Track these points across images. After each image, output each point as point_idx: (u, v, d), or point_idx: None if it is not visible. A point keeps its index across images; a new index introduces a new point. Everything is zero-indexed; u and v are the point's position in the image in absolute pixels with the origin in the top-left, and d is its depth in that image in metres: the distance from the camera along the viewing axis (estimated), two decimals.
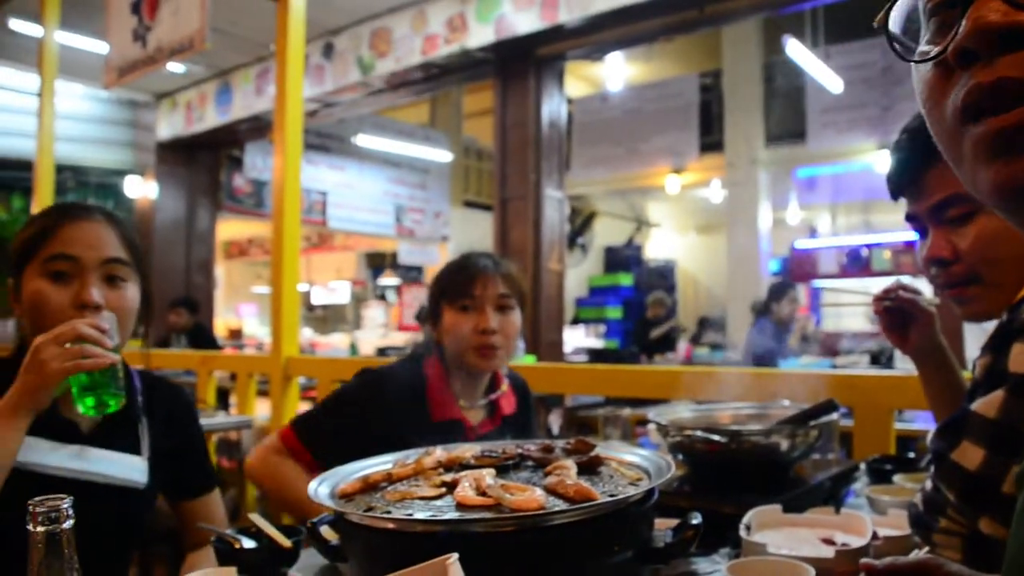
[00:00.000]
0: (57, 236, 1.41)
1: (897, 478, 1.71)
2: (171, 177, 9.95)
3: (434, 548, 0.76)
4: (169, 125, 9.77)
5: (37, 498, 0.75)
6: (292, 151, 3.66)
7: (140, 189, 9.95)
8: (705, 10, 5.65)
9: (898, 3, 0.58)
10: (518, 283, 1.90)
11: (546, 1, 5.92)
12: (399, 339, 11.07)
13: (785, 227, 11.74)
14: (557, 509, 0.93)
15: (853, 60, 8.32)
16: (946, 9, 0.53)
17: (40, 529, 0.74)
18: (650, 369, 4.24)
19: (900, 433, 2.51)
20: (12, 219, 8.77)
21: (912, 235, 1.31)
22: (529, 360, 5.26)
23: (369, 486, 1.11)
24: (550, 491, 0.99)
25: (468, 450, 1.24)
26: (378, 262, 14.87)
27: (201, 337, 7.62)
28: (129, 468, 1.49)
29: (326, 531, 1.09)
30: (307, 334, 12.23)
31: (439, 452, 1.23)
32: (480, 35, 6.35)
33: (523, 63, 6.51)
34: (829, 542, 1.23)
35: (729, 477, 1.52)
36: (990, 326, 1.16)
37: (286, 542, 1.27)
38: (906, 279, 1.62)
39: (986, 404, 0.99)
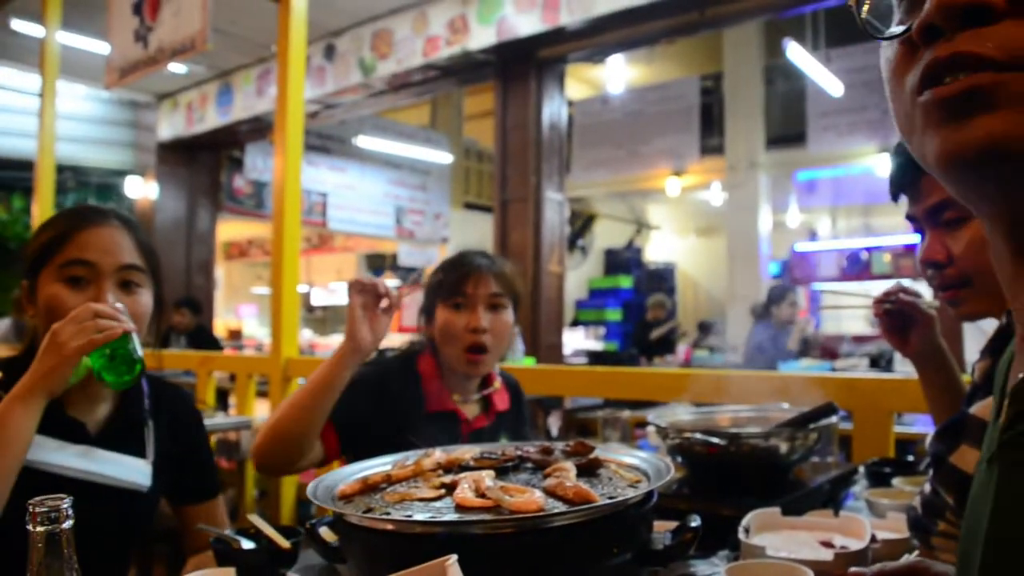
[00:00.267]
0: (74, 241, 1.42)
1: (896, 481, 1.71)
2: (172, 178, 9.96)
3: (433, 549, 0.76)
4: (170, 126, 9.77)
5: (37, 498, 0.75)
6: (293, 152, 3.66)
7: (141, 189, 9.96)
8: (706, 13, 5.65)
9: None
10: (512, 282, 1.90)
11: (547, 3, 5.92)
12: (398, 341, 10.98)
13: (785, 230, 11.75)
14: (556, 511, 0.93)
15: (854, 63, 8.32)
16: None
17: (40, 529, 0.74)
18: (649, 371, 4.25)
19: (899, 436, 2.51)
20: (13, 219, 8.79)
21: (912, 238, 1.33)
22: (528, 362, 5.26)
23: (368, 487, 1.11)
24: (549, 493, 0.99)
25: (467, 452, 1.24)
26: (378, 263, 14.87)
27: (203, 338, 7.62)
28: (133, 470, 1.49)
29: (325, 532, 1.09)
30: (307, 335, 12.23)
31: (438, 454, 1.23)
32: (481, 37, 6.36)
33: (524, 65, 6.52)
34: (828, 545, 1.23)
35: (728, 480, 1.52)
36: (990, 329, 1.17)
37: (285, 543, 1.27)
38: (906, 282, 1.63)
39: (985, 408, 0.99)
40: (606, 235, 14.38)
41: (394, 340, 2.24)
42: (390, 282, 1.72)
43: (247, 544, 1.30)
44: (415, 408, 1.81)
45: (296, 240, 3.71)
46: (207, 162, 10.19)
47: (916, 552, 1.07)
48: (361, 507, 1.03)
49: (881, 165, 8.88)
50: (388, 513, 0.98)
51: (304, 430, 1.59)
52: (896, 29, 0.55)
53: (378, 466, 1.25)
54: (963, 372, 1.60)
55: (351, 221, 11.05)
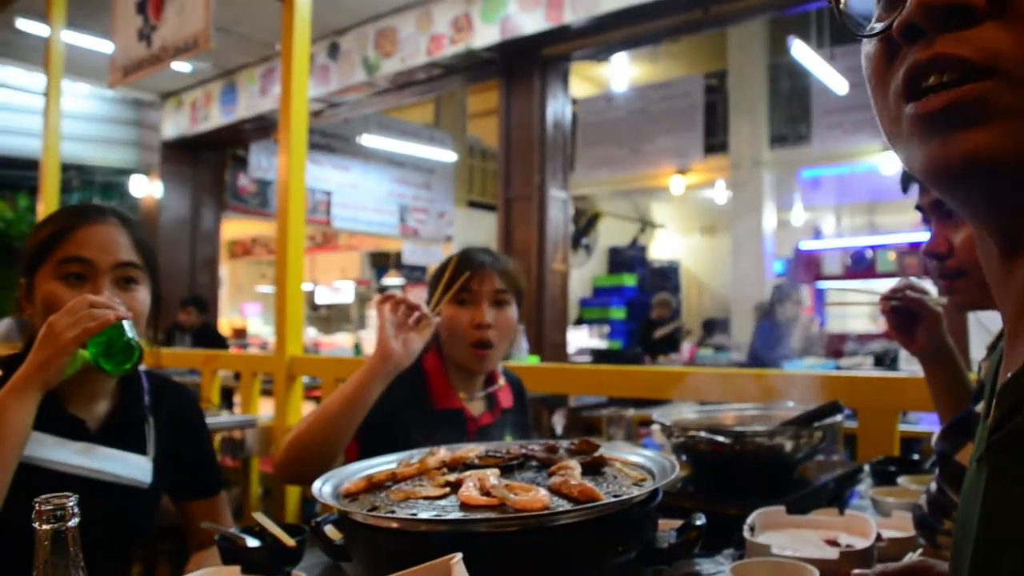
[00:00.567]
0: (71, 238, 1.43)
1: (901, 480, 1.70)
2: (176, 176, 9.97)
3: (438, 548, 0.76)
4: (174, 124, 9.78)
5: (43, 496, 0.75)
6: (297, 151, 3.66)
7: (145, 188, 9.98)
8: (710, 11, 5.64)
9: None
10: (515, 279, 1.92)
11: (551, 2, 5.92)
12: None
13: (789, 228, 11.73)
14: (561, 509, 0.93)
15: (858, 61, 8.10)
16: None
17: (45, 527, 0.74)
18: (654, 370, 4.24)
19: (904, 435, 2.50)
20: (18, 218, 8.80)
21: (917, 236, 1.35)
22: (533, 360, 5.26)
23: (373, 485, 1.11)
24: (554, 491, 0.99)
25: (472, 450, 1.24)
26: (382, 262, 14.88)
27: (208, 336, 7.64)
28: (134, 467, 1.49)
29: (330, 530, 1.09)
30: (311, 334, 12.24)
31: (443, 452, 1.23)
32: (485, 35, 6.35)
33: (528, 63, 6.52)
34: (833, 543, 1.22)
35: (733, 478, 1.52)
36: (995, 327, 1.17)
37: (290, 541, 1.27)
38: (912, 279, 1.63)
39: None
40: (610, 233, 14.36)
41: None
42: (394, 281, 1.72)
43: (252, 542, 1.30)
44: (421, 406, 1.81)
45: (300, 238, 3.70)
46: (211, 161, 10.20)
47: (920, 551, 1.07)
48: (366, 505, 1.03)
49: (886, 163, 8.86)
50: (393, 511, 0.98)
51: (332, 443, 1.59)
52: (876, 26, 0.55)
53: (383, 464, 1.25)
54: (969, 370, 1.60)
55: (355, 219, 11.05)
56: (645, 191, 12.74)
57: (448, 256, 1.97)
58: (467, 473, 1.09)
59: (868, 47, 0.57)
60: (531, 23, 6.06)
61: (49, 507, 0.74)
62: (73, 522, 0.75)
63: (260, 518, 1.34)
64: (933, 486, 1.06)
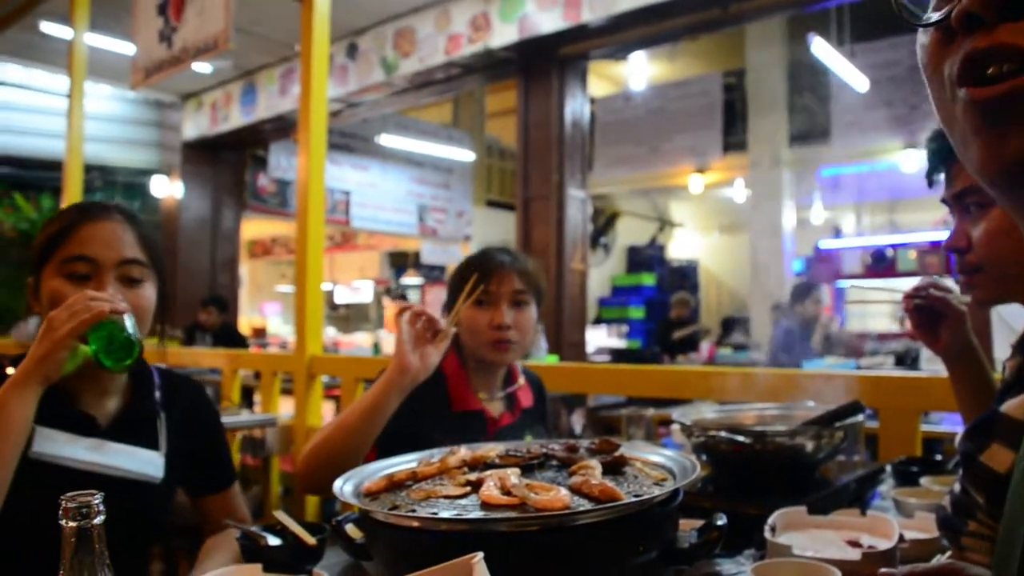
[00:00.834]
0: (75, 236, 1.43)
1: (924, 480, 1.69)
2: (196, 177, 10.05)
3: (459, 547, 0.76)
4: (195, 125, 9.86)
5: (69, 493, 0.76)
6: (316, 151, 3.68)
7: (166, 189, 10.07)
8: (729, 9, 5.62)
9: None
10: (535, 279, 1.91)
11: (569, 1, 5.91)
12: None
13: (809, 227, 11.64)
14: (582, 509, 0.93)
15: (879, 58, 8.23)
16: None
17: (71, 524, 0.75)
18: (673, 369, 4.23)
19: (926, 435, 2.48)
20: (42, 218, 8.90)
21: (937, 235, 1.37)
22: (551, 360, 5.26)
23: (394, 484, 1.11)
24: (575, 491, 0.99)
25: (492, 449, 1.25)
26: (401, 261, 14.92)
27: (229, 335, 7.68)
28: (145, 462, 1.50)
29: (351, 529, 1.10)
30: (330, 333, 12.29)
31: (464, 451, 1.23)
32: (503, 34, 6.36)
33: (546, 62, 6.51)
34: (855, 544, 1.21)
35: (754, 478, 1.51)
36: (1019, 327, 1.16)
37: (311, 540, 1.28)
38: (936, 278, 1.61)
39: (1016, 406, 0.97)
40: (629, 233, 14.32)
41: None
42: (412, 280, 1.73)
43: (273, 540, 1.30)
44: (441, 408, 1.81)
45: (320, 238, 3.72)
46: (231, 161, 10.28)
47: (948, 554, 1.06)
48: (387, 504, 1.03)
49: (906, 161, 8.78)
50: (414, 510, 0.99)
51: (351, 453, 1.59)
52: (934, 16, 0.55)
53: (404, 463, 1.25)
54: (993, 370, 1.58)
55: (374, 219, 11.09)
56: (664, 190, 12.69)
57: (467, 257, 1.97)
58: (487, 472, 1.09)
59: (923, 37, 0.57)
60: (549, 22, 6.06)
61: (74, 505, 0.75)
62: (99, 519, 0.76)
63: (281, 516, 1.35)
64: (957, 487, 1.05)
